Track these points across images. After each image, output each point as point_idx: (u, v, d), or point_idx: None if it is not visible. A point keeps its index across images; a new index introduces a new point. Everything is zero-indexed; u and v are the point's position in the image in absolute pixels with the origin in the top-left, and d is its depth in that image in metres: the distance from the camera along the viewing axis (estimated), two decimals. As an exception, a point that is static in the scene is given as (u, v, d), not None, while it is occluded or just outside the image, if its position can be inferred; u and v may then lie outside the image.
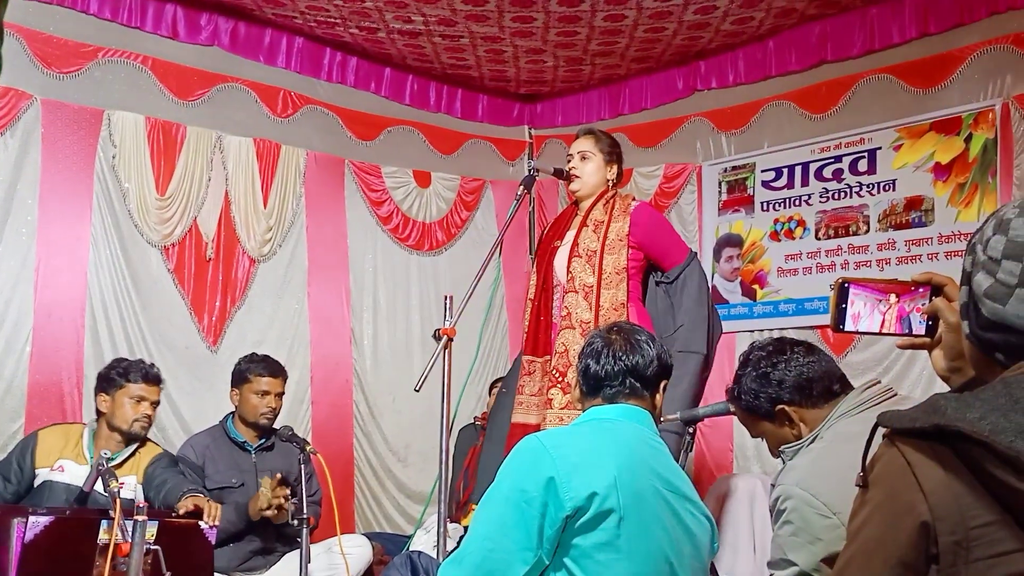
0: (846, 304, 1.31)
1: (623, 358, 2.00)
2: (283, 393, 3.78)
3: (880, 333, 1.31)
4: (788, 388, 2.01)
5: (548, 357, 3.21)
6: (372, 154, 5.44)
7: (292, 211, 5.04)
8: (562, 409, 3.08)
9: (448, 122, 5.77)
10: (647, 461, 1.88)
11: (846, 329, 1.32)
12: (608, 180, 3.33)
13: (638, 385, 1.99)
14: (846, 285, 1.32)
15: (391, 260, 5.44)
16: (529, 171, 3.27)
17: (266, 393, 3.69)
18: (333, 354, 5.13)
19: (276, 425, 3.68)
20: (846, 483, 1.21)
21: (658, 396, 2.04)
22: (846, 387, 2.03)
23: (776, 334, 4.86)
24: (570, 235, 3.33)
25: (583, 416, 2.01)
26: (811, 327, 4.77)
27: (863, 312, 1.31)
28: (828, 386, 2.01)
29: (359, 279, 5.31)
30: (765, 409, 2.04)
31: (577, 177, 3.33)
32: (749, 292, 5.11)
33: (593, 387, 2.01)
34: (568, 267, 3.22)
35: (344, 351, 5.17)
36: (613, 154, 3.35)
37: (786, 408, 2.01)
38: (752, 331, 5.02)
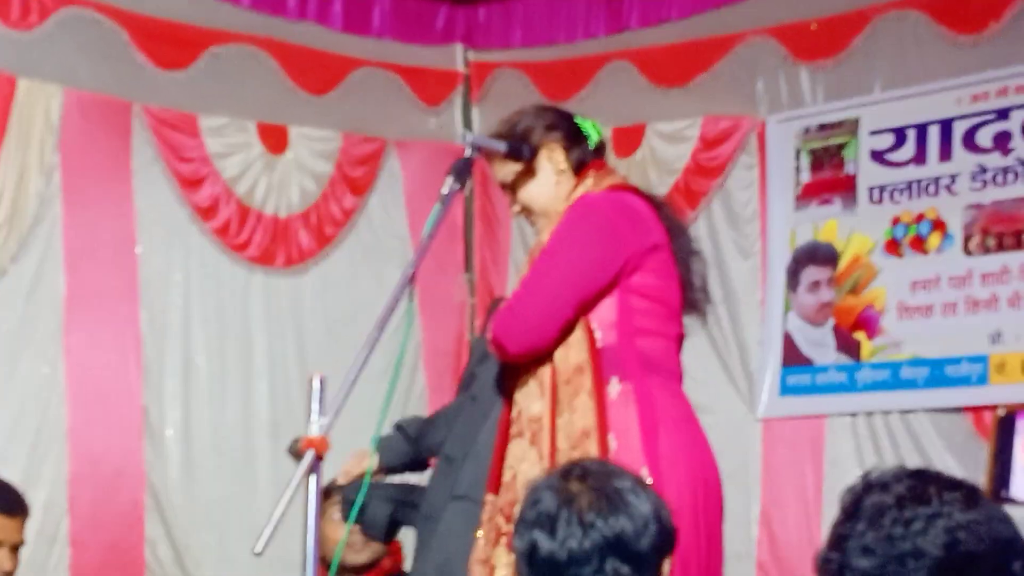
0: (1011, 451, 1.33)
1: (597, 525, 2.00)
2: (22, 544, 3.82)
3: None
4: (930, 567, 2.00)
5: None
6: (183, 94, 5.41)
7: (37, 196, 5.01)
8: None
9: (320, 38, 5.73)
10: None
11: (1013, 496, 1.32)
12: (557, 180, 3.35)
13: (626, 571, 2.01)
14: (1011, 419, 1.33)
15: (217, 284, 5.42)
16: (467, 148, 3.26)
17: None
18: (111, 455, 5.09)
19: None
20: None
21: None
22: None
23: (897, 420, 4.91)
24: None
25: None
26: (957, 409, 4.75)
27: None
28: (1001, 566, 2.00)
29: (159, 318, 5.28)
30: None
31: (527, 216, 3.43)
32: (849, 345, 5.11)
33: None
34: None
35: (131, 449, 5.14)
36: (526, 141, 3.34)
37: None
38: (854, 414, 5.03)
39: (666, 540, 2.06)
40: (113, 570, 5.05)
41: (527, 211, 3.40)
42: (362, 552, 4.20)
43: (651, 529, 2.03)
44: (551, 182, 3.35)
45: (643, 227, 3.23)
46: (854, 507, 2.07)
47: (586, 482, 2.05)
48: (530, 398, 3.22)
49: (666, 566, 2.07)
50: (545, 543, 2.01)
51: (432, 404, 5.77)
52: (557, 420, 3.16)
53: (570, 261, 3.17)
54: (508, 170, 3.38)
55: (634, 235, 3.21)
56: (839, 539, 2.06)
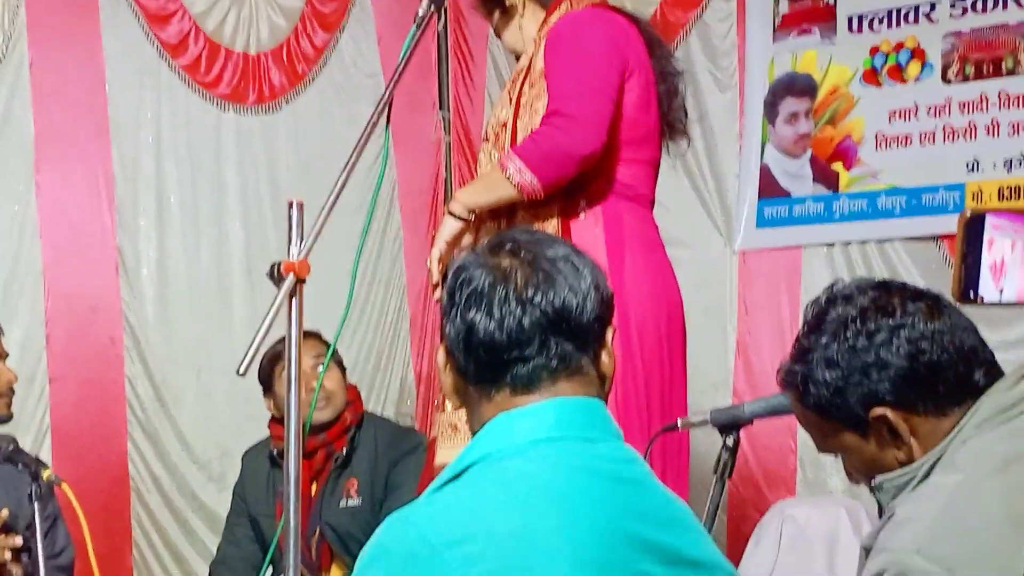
0: (980, 251, 1.34)
1: (535, 299, 1.83)
2: (6, 355, 3.95)
3: None
4: (894, 378, 2.01)
5: None
6: (149, -73, 5.32)
7: (3, 34, 5.01)
8: (460, 409, 3.18)
9: None
10: (622, 524, 1.75)
11: (982, 296, 1.32)
12: (521, 24, 3.41)
13: (570, 348, 1.85)
14: (980, 219, 1.34)
15: (188, 123, 5.43)
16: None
17: None
18: (87, 293, 5.15)
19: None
20: (1001, 549, 1.22)
21: (604, 357, 1.90)
22: (993, 376, 2.05)
23: (873, 249, 4.97)
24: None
25: (481, 444, 1.83)
26: (933, 237, 4.83)
27: (1011, 262, 1.34)
28: (964, 376, 2.00)
29: (130, 158, 5.30)
30: (849, 412, 2.04)
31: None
32: (827, 176, 5.14)
33: (487, 367, 1.85)
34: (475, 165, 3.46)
35: (106, 287, 5.20)
36: None
37: (888, 414, 2.02)
38: (831, 244, 5.08)
39: (608, 307, 1.90)
40: (94, 404, 5.15)
41: (514, 53, 3.47)
42: (324, 410, 4.19)
43: (591, 300, 1.85)
44: (516, 26, 3.40)
45: (629, 43, 3.25)
46: (818, 320, 2.07)
47: (519, 256, 1.86)
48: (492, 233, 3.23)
49: (609, 334, 1.91)
50: (483, 323, 1.82)
51: (407, 242, 5.85)
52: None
53: (595, 67, 3.15)
54: (492, 21, 3.46)
55: (626, 49, 3.23)
56: (803, 351, 2.08)
